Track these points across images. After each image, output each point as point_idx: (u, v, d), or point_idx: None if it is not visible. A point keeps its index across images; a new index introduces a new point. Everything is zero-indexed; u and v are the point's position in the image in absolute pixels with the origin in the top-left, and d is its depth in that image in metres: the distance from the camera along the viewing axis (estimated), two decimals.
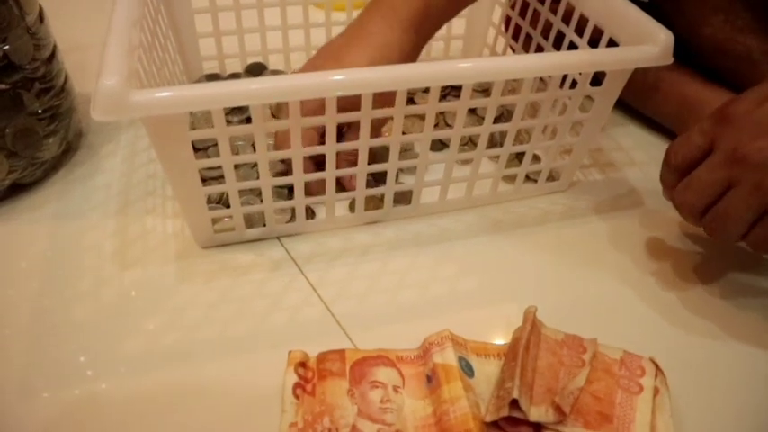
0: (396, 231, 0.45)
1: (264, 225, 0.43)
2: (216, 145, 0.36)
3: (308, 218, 0.44)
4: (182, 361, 0.36)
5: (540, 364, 0.34)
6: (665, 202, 0.40)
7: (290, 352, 0.35)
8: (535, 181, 0.48)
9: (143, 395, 0.34)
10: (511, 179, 0.48)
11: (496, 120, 0.41)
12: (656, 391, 0.33)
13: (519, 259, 0.43)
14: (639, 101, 0.56)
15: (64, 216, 0.45)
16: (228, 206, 0.41)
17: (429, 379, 0.34)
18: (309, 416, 0.32)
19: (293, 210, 0.43)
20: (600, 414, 0.32)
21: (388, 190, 0.43)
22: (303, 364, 0.35)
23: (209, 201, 0.44)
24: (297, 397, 0.33)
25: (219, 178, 0.44)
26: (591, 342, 0.35)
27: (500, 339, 0.37)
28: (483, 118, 0.41)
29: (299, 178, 0.40)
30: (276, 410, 0.33)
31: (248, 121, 0.36)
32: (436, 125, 0.48)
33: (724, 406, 0.35)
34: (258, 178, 0.39)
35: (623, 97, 0.44)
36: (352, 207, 0.46)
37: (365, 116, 0.37)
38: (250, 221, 0.43)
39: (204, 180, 0.40)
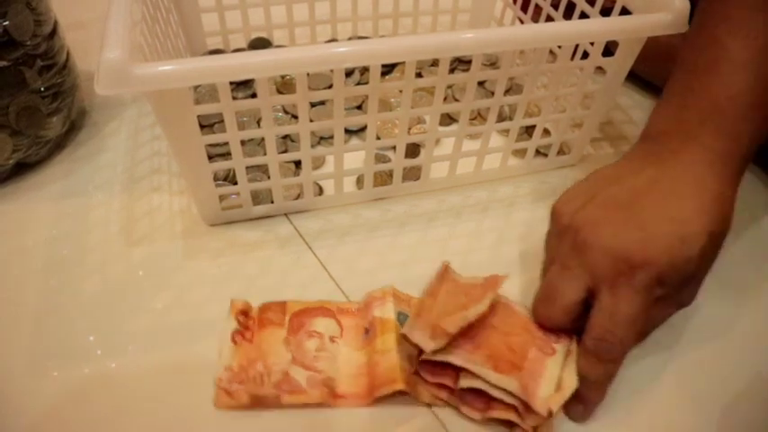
0: (405, 207, 0.44)
1: (272, 202, 0.42)
2: (222, 122, 0.36)
3: (315, 194, 0.44)
4: (190, 338, 0.36)
5: (439, 300, 0.34)
6: None
7: (232, 300, 0.36)
8: (545, 155, 0.47)
9: (152, 373, 0.34)
10: (521, 153, 0.47)
11: (505, 93, 0.41)
12: (567, 353, 0.33)
13: (530, 233, 0.43)
14: (652, 72, 0.55)
15: (69, 195, 0.44)
16: (235, 183, 0.40)
17: (367, 331, 0.35)
18: (245, 361, 0.33)
19: (301, 186, 0.43)
20: (511, 363, 0.32)
21: (396, 165, 0.43)
22: (245, 313, 0.36)
23: (216, 178, 0.43)
24: (235, 342, 0.34)
25: (226, 155, 0.43)
26: (500, 278, 0.35)
27: None
28: (492, 92, 0.40)
29: (306, 154, 0.39)
30: None
31: (254, 97, 0.35)
32: (445, 100, 0.47)
33: (710, 366, 0.35)
34: (265, 155, 0.39)
35: (635, 68, 0.43)
36: (359, 183, 0.45)
37: (373, 90, 0.37)
38: (257, 198, 0.43)
39: (210, 157, 0.40)
